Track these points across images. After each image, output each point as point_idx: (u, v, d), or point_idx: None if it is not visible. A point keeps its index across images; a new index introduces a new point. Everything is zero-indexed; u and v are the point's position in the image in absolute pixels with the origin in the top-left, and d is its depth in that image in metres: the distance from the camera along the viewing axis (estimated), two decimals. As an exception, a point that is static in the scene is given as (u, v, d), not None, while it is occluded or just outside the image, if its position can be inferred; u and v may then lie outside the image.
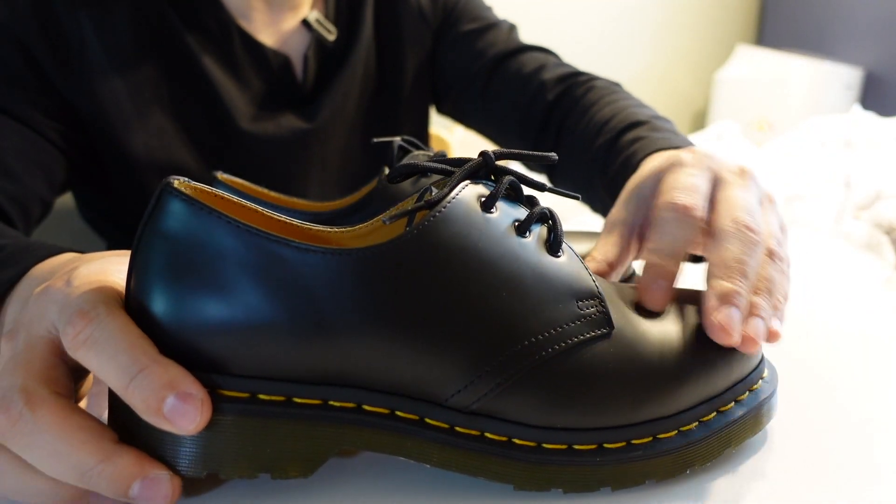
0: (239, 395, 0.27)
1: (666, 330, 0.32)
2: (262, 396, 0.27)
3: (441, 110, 0.82)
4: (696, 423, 0.31)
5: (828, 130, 1.24)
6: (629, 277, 0.48)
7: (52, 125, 0.58)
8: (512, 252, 0.29)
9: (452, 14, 0.78)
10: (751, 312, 0.32)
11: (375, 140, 0.48)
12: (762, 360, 0.35)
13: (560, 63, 0.73)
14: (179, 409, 0.25)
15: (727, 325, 0.31)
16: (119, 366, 0.26)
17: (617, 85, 0.69)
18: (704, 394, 0.31)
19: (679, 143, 0.51)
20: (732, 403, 0.32)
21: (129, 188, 0.64)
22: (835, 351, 0.45)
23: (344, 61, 0.71)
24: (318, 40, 0.69)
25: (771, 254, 0.35)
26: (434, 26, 0.77)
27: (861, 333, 0.48)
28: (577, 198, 0.33)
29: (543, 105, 0.69)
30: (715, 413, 0.31)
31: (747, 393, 0.33)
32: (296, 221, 0.31)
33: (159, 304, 0.26)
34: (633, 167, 0.49)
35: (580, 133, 0.63)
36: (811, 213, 0.85)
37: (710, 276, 0.33)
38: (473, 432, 0.29)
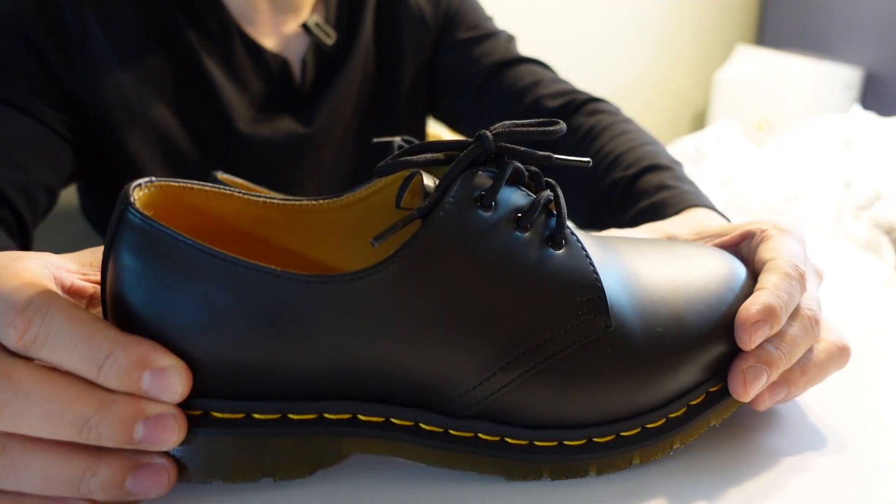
0: (233, 417, 0.27)
1: (662, 315, 0.31)
2: (256, 416, 0.27)
3: (436, 115, 0.82)
4: (685, 408, 0.31)
5: (828, 130, 1.24)
6: None
7: (56, 116, 0.59)
8: (511, 252, 0.28)
9: (453, 20, 0.78)
10: (783, 380, 0.33)
11: (375, 140, 0.48)
12: None
13: (557, 78, 0.73)
14: (157, 382, 0.25)
15: (751, 384, 0.31)
16: (82, 358, 0.24)
17: (618, 109, 0.69)
18: (695, 379, 0.31)
19: (706, 201, 0.52)
20: (722, 384, 0.32)
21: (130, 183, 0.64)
22: (835, 351, 0.45)
23: (342, 65, 0.71)
24: (316, 44, 0.69)
25: (842, 352, 0.35)
26: (434, 32, 0.77)
27: (861, 333, 0.48)
28: (587, 163, 0.31)
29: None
30: (704, 395, 0.31)
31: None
32: (276, 200, 0.29)
33: (137, 334, 0.25)
34: (664, 216, 0.50)
35: (586, 154, 0.62)
36: (811, 213, 0.85)
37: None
38: (467, 434, 0.29)
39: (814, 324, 0.34)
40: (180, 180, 0.28)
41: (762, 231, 0.38)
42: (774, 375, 0.32)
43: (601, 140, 0.63)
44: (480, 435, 0.29)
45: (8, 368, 0.24)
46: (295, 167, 0.69)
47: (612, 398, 0.29)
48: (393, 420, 0.28)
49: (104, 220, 0.72)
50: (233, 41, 0.65)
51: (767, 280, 0.33)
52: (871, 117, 1.39)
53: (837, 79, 2.33)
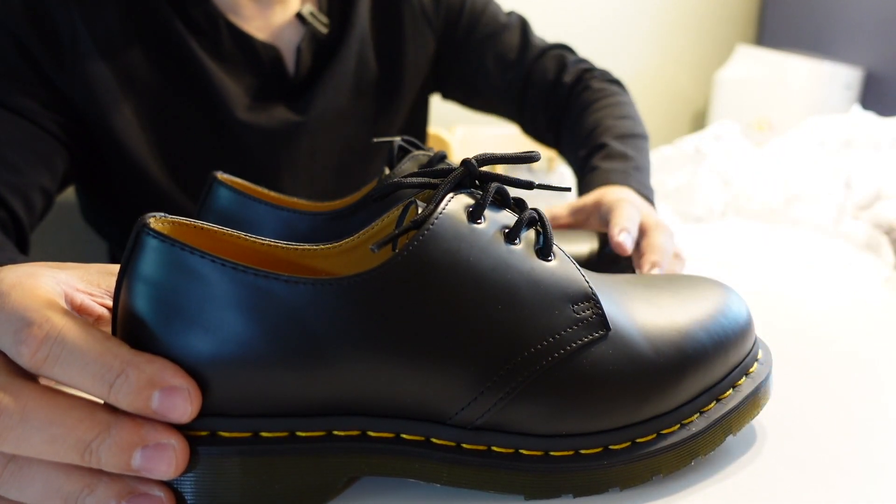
0: (241, 436, 0.26)
1: (661, 323, 0.31)
2: (264, 434, 0.27)
3: (472, 105, 0.86)
4: (698, 414, 0.31)
5: (828, 130, 1.24)
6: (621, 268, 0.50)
7: (50, 116, 0.58)
8: (503, 262, 0.29)
9: (461, 17, 0.79)
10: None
11: (376, 140, 0.48)
12: (756, 341, 0.35)
13: (577, 60, 0.82)
14: (166, 402, 0.25)
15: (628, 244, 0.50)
16: (93, 376, 0.24)
17: (615, 84, 0.76)
18: (703, 384, 0.31)
19: (619, 179, 0.63)
20: (731, 390, 0.32)
21: (127, 181, 0.64)
22: (835, 350, 0.45)
23: (336, 54, 0.71)
24: (311, 33, 0.69)
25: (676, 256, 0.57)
26: (437, 27, 0.78)
27: (861, 333, 0.48)
28: (567, 190, 0.33)
29: (562, 101, 0.80)
30: (715, 402, 0.31)
31: (744, 378, 0.33)
32: (280, 244, 0.31)
33: (147, 351, 0.25)
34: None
35: (571, 135, 0.76)
36: (811, 213, 0.85)
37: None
38: (480, 447, 0.28)
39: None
40: (192, 220, 0.29)
41: (609, 199, 0.56)
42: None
43: (582, 116, 0.76)
44: (494, 448, 0.28)
45: (14, 391, 0.24)
46: (290, 155, 0.70)
47: (622, 403, 0.29)
48: (403, 435, 0.28)
49: (103, 222, 0.72)
50: (220, 32, 0.65)
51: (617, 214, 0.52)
52: (871, 117, 1.39)
53: (837, 79, 2.33)
